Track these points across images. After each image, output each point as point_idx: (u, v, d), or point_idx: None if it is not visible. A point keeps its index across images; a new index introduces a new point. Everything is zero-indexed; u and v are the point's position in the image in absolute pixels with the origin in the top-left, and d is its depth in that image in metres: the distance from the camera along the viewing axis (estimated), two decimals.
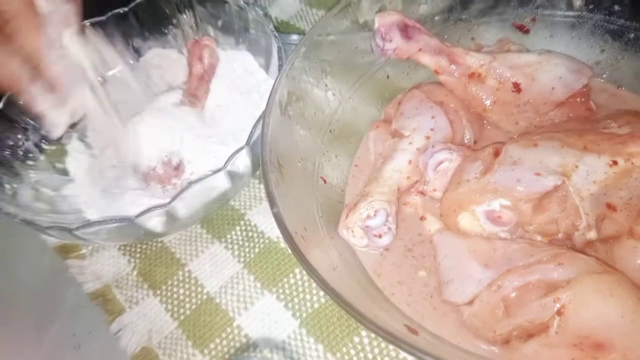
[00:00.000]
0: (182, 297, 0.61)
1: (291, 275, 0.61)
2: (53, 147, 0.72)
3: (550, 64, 0.59)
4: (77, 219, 0.64)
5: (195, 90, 0.70)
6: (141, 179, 0.64)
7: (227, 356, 0.56)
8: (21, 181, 0.65)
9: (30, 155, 0.69)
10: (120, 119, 0.70)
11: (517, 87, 0.60)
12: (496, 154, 0.53)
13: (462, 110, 0.61)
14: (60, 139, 0.73)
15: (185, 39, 0.79)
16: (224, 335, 0.58)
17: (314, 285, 0.58)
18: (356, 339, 0.55)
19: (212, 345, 0.57)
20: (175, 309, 0.61)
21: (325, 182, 0.59)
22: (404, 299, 0.52)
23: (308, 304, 0.58)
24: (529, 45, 0.66)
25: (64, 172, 0.71)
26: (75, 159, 0.72)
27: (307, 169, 0.57)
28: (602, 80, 0.65)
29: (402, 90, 0.68)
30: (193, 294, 0.61)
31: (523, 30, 0.67)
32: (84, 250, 0.68)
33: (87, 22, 0.71)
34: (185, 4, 0.76)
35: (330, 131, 0.62)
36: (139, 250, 0.66)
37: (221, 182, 0.58)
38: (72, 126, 0.74)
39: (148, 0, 0.75)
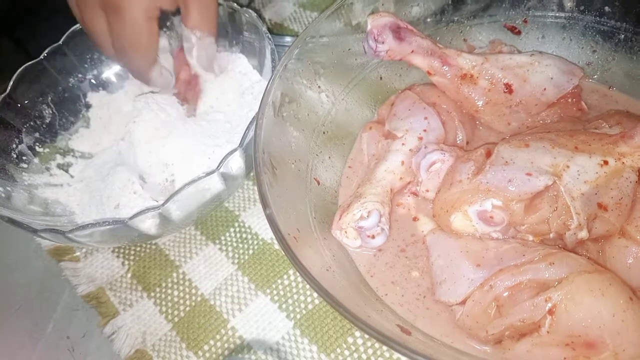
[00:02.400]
0: (176, 299, 0.61)
1: (285, 276, 0.61)
2: (47, 150, 0.72)
3: (541, 65, 0.60)
4: (70, 222, 0.64)
5: (184, 95, 0.70)
6: (136, 182, 0.64)
7: (221, 358, 0.56)
8: (15, 184, 0.65)
9: (24, 158, 0.69)
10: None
11: (508, 88, 0.60)
12: (488, 154, 0.53)
13: (454, 111, 0.61)
14: (54, 141, 0.73)
15: (179, 40, 0.79)
16: (218, 336, 0.58)
17: (308, 286, 0.59)
18: (350, 340, 0.55)
19: (206, 347, 0.57)
20: (170, 311, 0.61)
21: (318, 183, 0.59)
22: (397, 299, 0.53)
23: (302, 305, 0.58)
24: (521, 46, 0.66)
25: (57, 175, 0.70)
26: (70, 161, 0.73)
27: (301, 170, 0.58)
28: (593, 81, 0.66)
29: (395, 91, 0.68)
30: (187, 296, 0.61)
31: (515, 31, 0.67)
32: (78, 253, 0.68)
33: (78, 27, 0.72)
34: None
35: (324, 132, 0.62)
36: (132, 252, 0.66)
37: (215, 184, 0.58)
38: (68, 129, 0.74)
39: None
